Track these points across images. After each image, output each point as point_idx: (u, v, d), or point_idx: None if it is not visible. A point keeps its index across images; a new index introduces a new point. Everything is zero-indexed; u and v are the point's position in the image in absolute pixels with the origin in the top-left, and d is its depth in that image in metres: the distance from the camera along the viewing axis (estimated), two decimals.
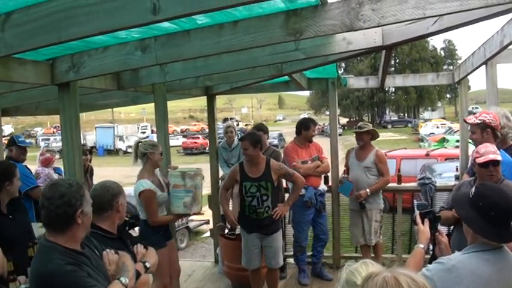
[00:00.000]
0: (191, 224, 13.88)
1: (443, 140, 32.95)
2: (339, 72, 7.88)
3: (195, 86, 6.83)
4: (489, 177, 3.94)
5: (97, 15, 2.78)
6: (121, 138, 53.39)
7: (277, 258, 6.07)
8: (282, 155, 7.21)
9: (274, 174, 5.85)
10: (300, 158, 6.97)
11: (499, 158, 3.90)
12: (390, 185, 7.64)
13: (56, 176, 7.31)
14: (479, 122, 4.57)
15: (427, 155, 17.41)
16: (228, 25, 3.61)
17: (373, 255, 7.21)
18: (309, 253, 7.43)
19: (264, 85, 7.76)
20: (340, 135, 7.99)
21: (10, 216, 4.57)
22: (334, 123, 7.94)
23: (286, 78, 6.94)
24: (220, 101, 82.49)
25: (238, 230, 6.73)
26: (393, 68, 75.27)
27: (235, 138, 8.22)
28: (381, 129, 66.53)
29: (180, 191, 5.35)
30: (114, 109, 60.15)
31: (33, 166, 7.25)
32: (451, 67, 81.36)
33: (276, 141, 41.53)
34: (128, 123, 71.37)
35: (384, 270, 1.89)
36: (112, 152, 52.58)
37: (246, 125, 76.55)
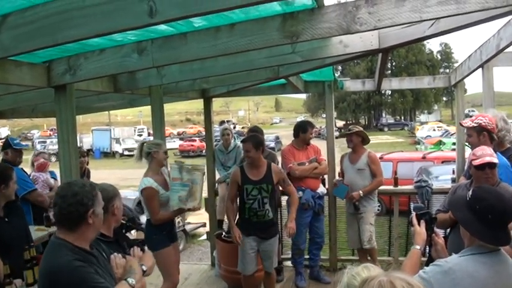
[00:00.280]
0: (188, 227, 13.84)
1: (439, 143, 33.03)
2: (336, 75, 7.89)
3: (192, 89, 6.82)
4: (485, 179, 3.94)
5: (93, 18, 2.78)
6: (117, 140, 53.37)
7: (273, 262, 6.06)
8: (279, 157, 7.22)
9: (276, 177, 5.85)
10: (297, 160, 6.96)
11: (495, 160, 3.90)
12: (387, 187, 7.65)
13: (52, 181, 7.30)
14: (475, 125, 4.57)
15: (424, 157, 17.45)
16: (225, 28, 3.62)
17: (368, 258, 7.22)
18: (306, 256, 7.42)
19: (261, 88, 7.75)
20: (336, 137, 7.95)
21: (6, 219, 4.56)
22: (331, 126, 7.94)
23: (282, 81, 6.95)
24: (217, 103, 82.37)
25: None
26: (390, 71, 75.41)
27: (232, 141, 8.21)
28: (377, 132, 66.86)
29: (176, 185, 5.29)
30: (111, 112, 60.16)
31: (26, 169, 7.19)
32: (447, 70, 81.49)
33: (272, 144, 41.50)
34: (125, 126, 71.25)
35: (381, 273, 1.89)
36: (109, 154, 52.53)
37: (242, 127, 76.60)
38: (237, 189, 5.85)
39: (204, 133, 9.12)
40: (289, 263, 7.66)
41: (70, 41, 3.06)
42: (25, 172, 6.70)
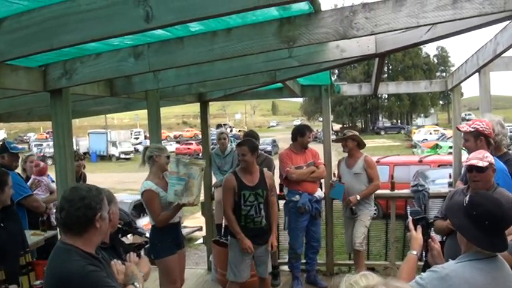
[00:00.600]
0: (184, 231, 13.76)
1: (436, 147, 33.09)
2: (332, 78, 7.89)
3: (189, 93, 6.81)
4: (474, 182, 3.98)
5: (89, 23, 2.77)
6: (114, 144, 53.33)
7: (268, 267, 6.03)
8: (276, 161, 7.21)
9: (268, 182, 5.85)
10: (294, 164, 6.95)
11: (479, 164, 3.90)
12: (383, 191, 7.65)
13: (54, 185, 7.27)
14: (472, 129, 4.57)
15: (420, 161, 17.48)
16: (222, 32, 3.61)
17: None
18: (303, 260, 7.40)
19: (258, 92, 7.74)
20: (333, 141, 7.96)
21: (1, 225, 4.54)
22: (328, 130, 7.94)
23: (279, 85, 6.94)
24: (214, 107, 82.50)
25: None
26: (386, 75, 75.48)
27: (229, 145, 8.20)
28: (374, 135, 66.95)
29: (173, 178, 5.15)
30: (108, 115, 60.09)
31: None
32: (444, 74, 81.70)
33: (269, 148, 41.52)
34: (121, 129, 71.15)
35: (380, 282, 1.87)
36: (105, 157, 52.48)
37: (239, 131, 76.57)
38: (233, 196, 5.72)
39: (200, 136, 9.10)
40: (285, 268, 7.65)
41: (66, 46, 3.05)
42: (21, 177, 6.67)
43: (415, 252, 3.18)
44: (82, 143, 52.96)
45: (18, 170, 7.15)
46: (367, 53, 4.32)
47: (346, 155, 7.23)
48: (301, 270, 7.35)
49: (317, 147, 7.61)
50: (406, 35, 4.06)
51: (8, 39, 3.03)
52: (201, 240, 11.65)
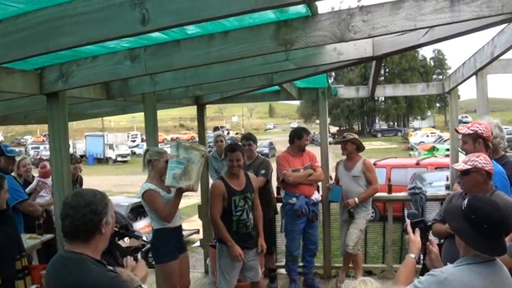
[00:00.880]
0: (183, 234, 13.77)
1: (433, 149, 33.10)
2: (329, 81, 7.89)
3: (185, 96, 6.79)
4: (463, 185, 4.01)
5: (85, 26, 2.75)
6: (111, 146, 53.29)
7: (258, 270, 5.96)
8: (273, 163, 7.21)
9: (254, 184, 5.81)
10: (292, 167, 6.95)
11: (461, 167, 3.92)
12: (381, 194, 7.65)
13: None
14: (471, 132, 4.55)
15: (417, 164, 17.47)
16: (219, 35, 3.60)
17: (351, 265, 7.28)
18: (300, 263, 7.39)
19: (255, 94, 7.74)
20: (330, 143, 7.98)
21: None
22: (325, 133, 7.93)
23: (276, 87, 6.94)
24: (211, 109, 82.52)
25: None
26: (383, 78, 75.54)
27: None
28: (370, 138, 66.97)
29: (172, 162, 5.04)
30: (104, 117, 60.04)
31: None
32: (440, 76, 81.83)
33: (266, 150, 41.48)
34: (118, 132, 71.08)
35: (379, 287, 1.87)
36: (102, 160, 52.42)
37: (236, 133, 76.57)
38: (222, 203, 5.54)
39: (197, 139, 9.07)
40: (283, 271, 7.63)
41: (62, 49, 3.03)
42: (17, 181, 6.65)
43: (413, 256, 3.18)
44: (79, 146, 52.90)
45: (13, 175, 7.12)
46: (364, 55, 4.31)
47: (343, 157, 7.22)
48: (298, 273, 7.34)
49: (314, 150, 7.60)
50: (403, 38, 4.06)
51: (4, 42, 3.01)
52: (198, 243, 11.59)
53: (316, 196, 7.16)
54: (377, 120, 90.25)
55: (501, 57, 4.98)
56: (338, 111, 78.91)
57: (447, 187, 7.69)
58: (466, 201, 2.82)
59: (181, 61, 3.81)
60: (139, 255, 9.87)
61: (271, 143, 48.31)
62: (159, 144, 6.35)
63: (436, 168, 15.77)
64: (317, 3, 3.12)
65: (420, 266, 3.55)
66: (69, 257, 2.67)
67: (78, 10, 2.75)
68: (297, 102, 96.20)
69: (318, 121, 12.55)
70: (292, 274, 7.21)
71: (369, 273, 7.79)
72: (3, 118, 7.81)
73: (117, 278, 2.67)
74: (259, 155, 7.55)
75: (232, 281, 5.71)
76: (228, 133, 73.23)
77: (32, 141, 70.19)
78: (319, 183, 7.43)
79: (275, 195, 7.48)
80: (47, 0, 2.77)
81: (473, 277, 2.61)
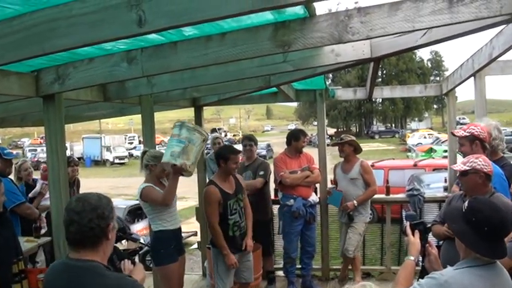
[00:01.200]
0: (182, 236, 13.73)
1: (430, 150, 33.11)
2: (327, 83, 7.88)
3: (183, 98, 6.79)
4: (460, 186, 3.99)
5: (81, 27, 2.73)
6: (108, 148, 53.26)
7: (252, 271, 5.94)
8: (271, 165, 7.20)
9: (243, 184, 5.82)
10: (289, 169, 6.94)
11: (459, 168, 3.92)
12: (379, 196, 7.63)
13: None
14: (467, 134, 4.55)
15: (415, 165, 17.47)
16: (216, 37, 3.58)
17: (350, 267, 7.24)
18: (298, 266, 7.37)
19: (252, 96, 7.72)
20: (328, 145, 7.96)
21: None
22: (322, 134, 7.93)
23: (274, 89, 6.93)
24: (208, 111, 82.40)
25: None
26: (380, 79, 75.58)
27: None
28: (368, 139, 66.99)
29: (173, 140, 4.93)
30: (102, 119, 60.02)
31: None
32: (438, 78, 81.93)
33: (264, 152, 41.50)
34: (115, 134, 71.05)
35: None
36: (99, 162, 52.39)
37: (234, 135, 76.70)
38: (218, 208, 5.46)
39: None
40: (281, 273, 7.61)
41: (57, 51, 3.01)
42: (14, 184, 6.62)
43: (412, 258, 3.16)
44: (76, 148, 52.92)
45: (12, 177, 7.09)
46: (362, 57, 4.31)
47: (341, 159, 7.21)
48: (296, 275, 7.33)
49: (312, 152, 7.59)
50: (401, 39, 4.06)
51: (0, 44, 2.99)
52: (195, 246, 11.56)
53: (314, 198, 7.14)
54: (374, 122, 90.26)
55: (499, 59, 4.98)
56: (335, 113, 78.89)
57: (445, 189, 7.68)
58: (466, 203, 2.80)
59: (178, 63, 3.80)
60: (136, 258, 9.84)
61: (268, 145, 48.32)
62: (156, 146, 6.31)
63: (433, 170, 15.78)
64: (315, 4, 3.11)
65: (419, 268, 3.54)
66: (79, 266, 2.53)
67: (74, 12, 2.73)
68: (295, 104, 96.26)
69: (315, 123, 12.55)
70: (290, 276, 7.20)
71: (367, 275, 7.78)
72: (0, 121, 7.78)
73: (137, 282, 2.64)
74: (258, 156, 7.55)
75: (230, 284, 5.68)
76: (226, 135, 73.26)
77: (29, 144, 70.04)
78: (317, 185, 7.42)
79: (273, 197, 7.47)
80: (43, 2, 2.75)
81: (473, 280, 2.59)
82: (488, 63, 5.07)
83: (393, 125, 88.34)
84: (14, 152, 7.78)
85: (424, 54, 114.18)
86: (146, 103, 5.87)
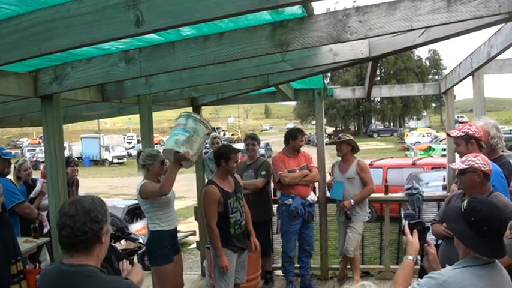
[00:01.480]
0: (178, 235, 13.73)
1: (429, 149, 33.17)
2: (325, 82, 7.88)
3: (181, 97, 6.78)
4: (459, 184, 3.99)
5: (79, 28, 2.73)
6: (107, 148, 53.18)
7: (246, 271, 5.93)
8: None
9: (241, 182, 5.82)
10: (287, 168, 6.93)
11: (457, 166, 3.93)
12: (378, 195, 7.64)
13: None
14: (462, 134, 4.56)
15: (414, 164, 17.48)
16: (214, 37, 3.58)
17: (348, 266, 7.26)
18: (297, 265, 7.37)
19: (251, 96, 7.71)
20: (326, 144, 7.97)
21: None
22: (321, 134, 7.92)
23: (272, 88, 6.92)
24: (207, 110, 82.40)
25: None
26: (378, 78, 75.61)
27: None
28: (367, 138, 66.99)
29: (178, 129, 4.96)
30: (100, 119, 59.99)
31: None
32: (436, 77, 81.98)
33: (262, 151, 41.47)
34: (114, 133, 70.96)
35: None
36: (98, 162, 52.35)
37: (232, 134, 76.69)
38: (217, 208, 5.45)
39: None
40: (280, 272, 7.61)
41: (55, 51, 3.00)
42: (13, 183, 6.62)
43: (411, 258, 3.15)
44: (75, 148, 52.85)
45: (11, 177, 7.09)
46: (360, 56, 4.30)
47: (339, 158, 7.21)
48: (295, 274, 7.32)
49: (310, 151, 7.59)
50: (399, 39, 4.05)
51: None
52: (194, 245, 11.58)
53: (312, 197, 7.13)
54: (373, 121, 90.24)
55: (498, 57, 4.98)
56: (334, 112, 78.95)
57: (444, 187, 7.68)
58: (465, 203, 2.80)
59: (176, 63, 3.79)
60: (135, 258, 9.84)
61: (267, 144, 48.28)
62: (155, 146, 6.30)
63: (432, 169, 15.77)
64: (312, 4, 3.10)
65: (418, 267, 3.54)
66: (76, 272, 2.48)
67: (72, 12, 2.72)
68: (293, 103, 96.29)
69: (314, 122, 12.55)
70: (288, 275, 7.19)
71: (366, 274, 7.77)
72: None
73: (134, 285, 2.59)
74: (260, 156, 7.56)
75: (230, 285, 5.64)
76: (224, 134, 73.28)
77: (28, 144, 69.95)
78: (316, 184, 7.41)
79: (272, 196, 7.47)
80: (40, 2, 2.75)
81: (473, 279, 2.59)
82: (486, 62, 5.07)
83: (392, 124, 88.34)
84: (13, 152, 7.74)
85: (422, 53, 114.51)
86: (144, 103, 5.86)
